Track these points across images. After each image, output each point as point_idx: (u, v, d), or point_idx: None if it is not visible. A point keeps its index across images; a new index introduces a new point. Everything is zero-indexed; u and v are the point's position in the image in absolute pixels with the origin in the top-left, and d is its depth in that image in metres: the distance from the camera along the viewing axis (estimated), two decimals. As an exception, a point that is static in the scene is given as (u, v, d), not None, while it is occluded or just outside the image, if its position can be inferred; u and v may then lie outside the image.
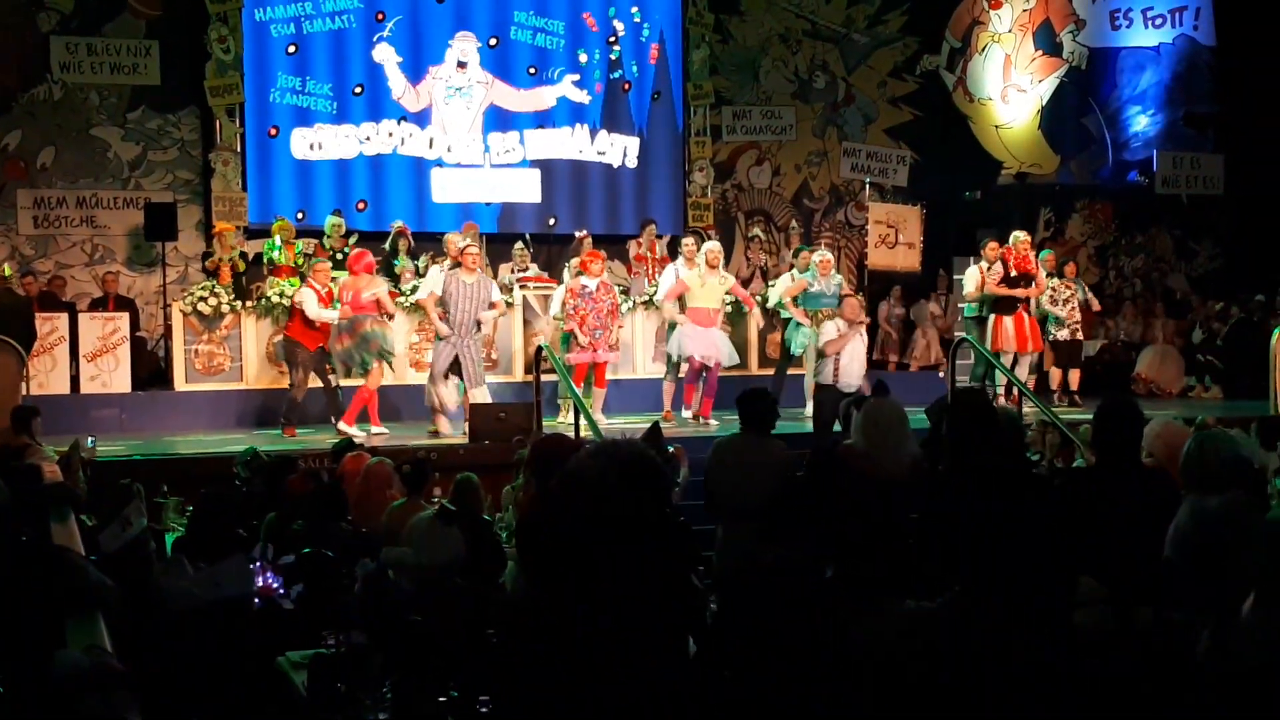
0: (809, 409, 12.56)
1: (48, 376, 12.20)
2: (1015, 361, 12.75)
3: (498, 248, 14.70)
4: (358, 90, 15.50)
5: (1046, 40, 18.69)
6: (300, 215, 14.80)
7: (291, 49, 15.24)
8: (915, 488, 5.77)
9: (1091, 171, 19.03)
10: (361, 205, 15.43)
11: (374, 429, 11.22)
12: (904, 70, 18.35)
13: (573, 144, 16.33)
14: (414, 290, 12.38)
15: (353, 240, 13.50)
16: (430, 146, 15.72)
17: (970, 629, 2.68)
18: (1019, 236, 13.11)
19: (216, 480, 8.23)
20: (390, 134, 15.58)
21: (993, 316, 12.96)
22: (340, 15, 15.42)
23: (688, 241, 12.78)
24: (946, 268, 16.44)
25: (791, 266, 13.71)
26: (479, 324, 11.39)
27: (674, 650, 2.92)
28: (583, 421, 9.95)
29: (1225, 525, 4.04)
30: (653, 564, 2.76)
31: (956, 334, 13.77)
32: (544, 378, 11.35)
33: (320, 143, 15.33)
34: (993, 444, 4.31)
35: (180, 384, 12.50)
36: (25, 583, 3.74)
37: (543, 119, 16.22)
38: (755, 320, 13.34)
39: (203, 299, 12.42)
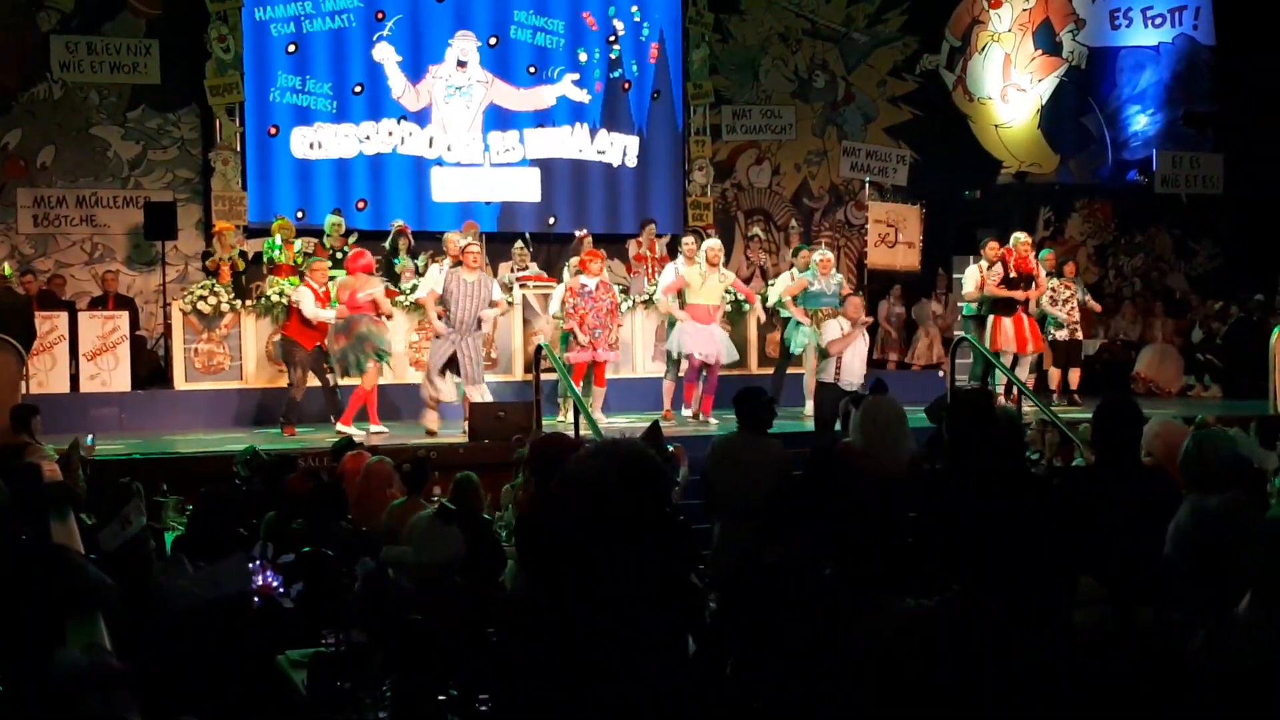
0: (808, 408, 12.58)
1: (47, 375, 12.20)
2: (1015, 362, 12.73)
3: (497, 247, 14.70)
4: (357, 89, 15.50)
5: (1046, 39, 18.70)
6: (300, 214, 14.80)
7: (291, 48, 15.23)
8: (913, 486, 5.77)
9: (1091, 171, 19.04)
10: (361, 204, 15.43)
11: (373, 427, 11.22)
12: (904, 69, 18.36)
13: (572, 143, 16.33)
14: (414, 289, 12.38)
15: (351, 239, 13.50)
16: (430, 145, 15.72)
17: (970, 628, 2.69)
18: (1019, 238, 13.07)
19: (216, 479, 8.23)
20: (390, 133, 15.58)
21: (991, 317, 12.93)
22: (340, 14, 15.42)
23: (687, 240, 12.79)
24: (946, 267, 16.44)
25: (791, 266, 13.71)
26: (479, 322, 11.39)
27: (674, 649, 2.92)
28: (582, 420, 9.95)
29: (1225, 524, 4.04)
30: (652, 563, 2.76)
31: (956, 333, 13.77)
32: (544, 377, 11.35)
33: (320, 142, 15.33)
34: (992, 444, 4.31)
35: (180, 383, 12.50)
36: (25, 581, 3.74)
37: (542, 118, 16.22)
38: (756, 317, 13.35)
39: (202, 298, 12.42)
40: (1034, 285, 13.03)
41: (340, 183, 15.39)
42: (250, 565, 5.09)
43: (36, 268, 14.44)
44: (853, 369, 10.10)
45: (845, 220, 18.01)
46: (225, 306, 12.44)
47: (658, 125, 16.83)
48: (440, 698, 3.91)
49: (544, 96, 16.24)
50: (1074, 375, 13.65)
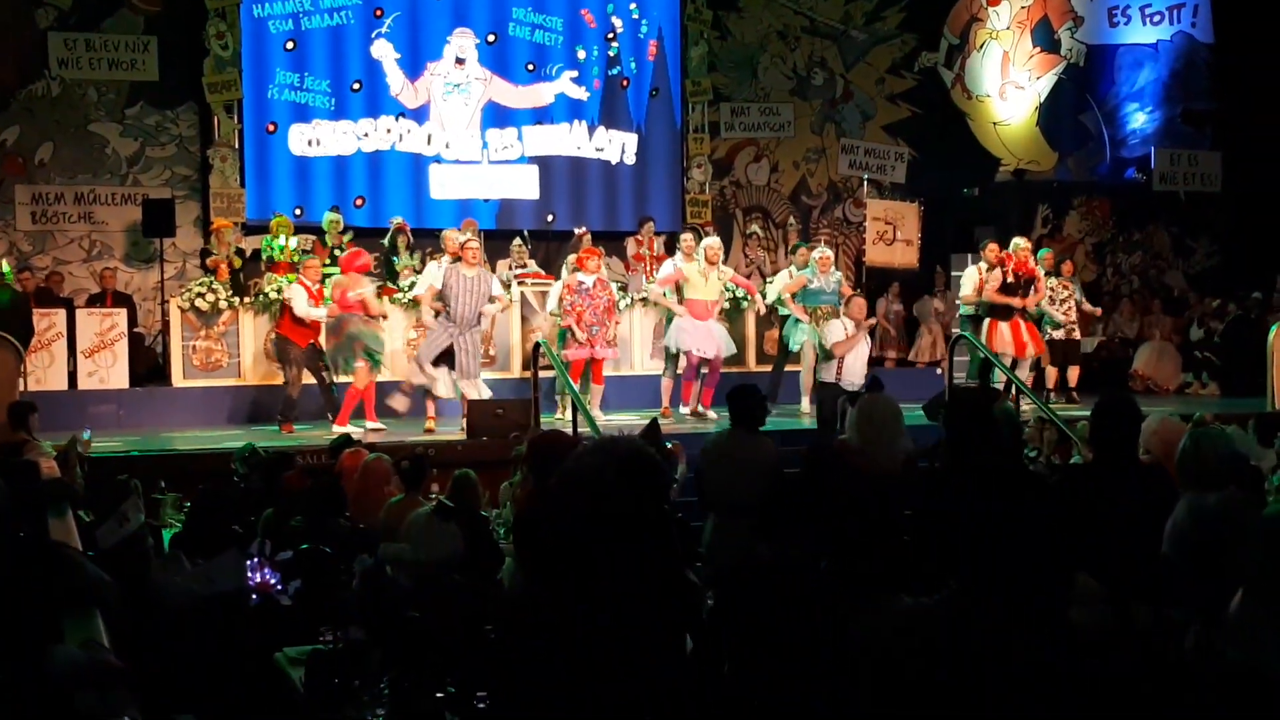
0: (804, 405, 12.59)
1: (45, 372, 12.20)
2: (1014, 365, 12.67)
3: (496, 244, 14.69)
4: (356, 86, 15.49)
5: (1045, 37, 18.70)
6: (298, 211, 14.80)
7: (290, 45, 15.23)
8: (909, 484, 5.78)
9: (1089, 168, 19.04)
10: (360, 201, 15.42)
11: (369, 425, 11.22)
12: (902, 67, 18.36)
13: (571, 140, 16.33)
14: (412, 286, 12.38)
15: (347, 238, 13.48)
16: (428, 143, 15.71)
17: (969, 627, 2.68)
18: (1019, 243, 12.94)
19: (214, 476, 8.24)
20: (388, 130, 15.58)
21: (988, 321, 12.80)
22: (338, 11, 15.41)
23: (686, 236, 12.76)
24: (944, 265, 16.45)
25: (790, 263, 13.71)
26: (479, 318, 11.40)
27: (671, 647, 2.92)
28: (580, 418, 9.95)
29: (1223, 522, 4.04)
30: (651, 561, 2.76)
31: (955, 331, 13.76)
32: (542, 374, 11.36)
33: (318, 139, 15.32)
34: (991, 442, 4.31)
35: (178, 380, 12.50)
36: (23, 579, 3.74)
37: (541, 115, 16.22)
38: (755, 311, 13.36)
39: (200, 295, 12.42)
40: (1034, 290, 12.91)
41: (338, 180, 15.38)
42: (247, 562, 5.09)
43: (35, 265, 14.43)
44: (854, 370, 10.09)
45: (843, 218, 18.02)
46: (223, 304, 12.44)
47: (656, 123, 16.83)
48: (438, 695, 3.92)
49: (542, 94, 16.24)
50: (1073, 373, 13.66)
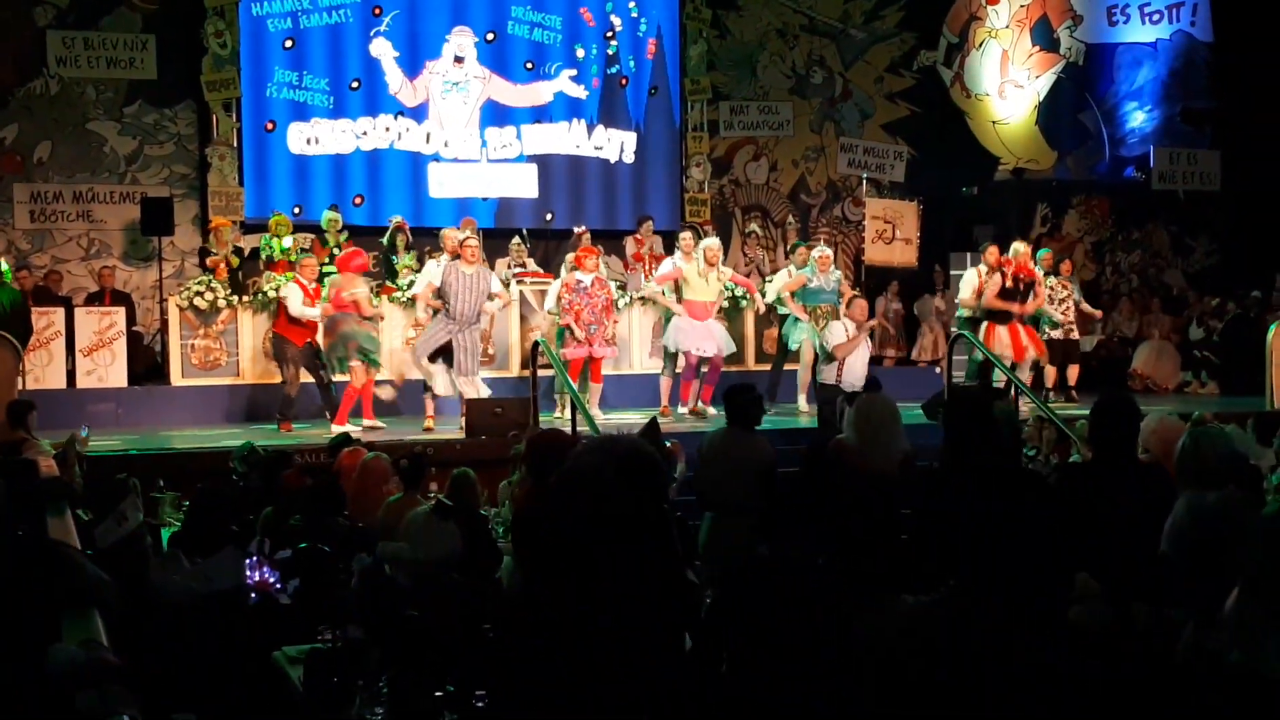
0: (801, 402, 12.60)
1: (44, 371, 12.20)
2: (1013, 368, 12.61)
3: (495, 243, 14.68)
4: (355, 85, 15.48)
5: (1044, 36, 18.69)
6: (297, 210, 14.80)
7: (288, 43, 15.22)
8: (906, 484, 5.78)
9: (1088, 167, 19.04)
10: (358, 200, 15.42)
11: (366, 423, 11.23)
12: (901, 66, 18.36)
13: (570, 139, 16.32)
14: (411, 285, 12.37)
15: (343, 237, 13.45)
16: (427, 141, 15.70)
17: (969, 626, 2.68)
18: (1019, 248, 12.86)
19: (213, 475, 8.25)
20: (387, 129, 15.57)
21: (985, 324, 12.73)
22: (337, 10, 15.40)
23: (685, 236, 12.74)
24: (943, 263, 16.44)
25: (789, 262, 13.70)
26: (479, 316, 11.41)
27: (670, 646, 2.92)
28: (579, 416, 9.95)
29: (1222, 521, 4.04)
30: (650, 560, 2.76)
31: (953, 329, 13.74)
32: (541, 373, 11.35)
33: (317, 137, 15.31)
34: (991, 442, 4.31)
35: (176, 379, 12.50)
36: (22, 577, 3.74)
37: (540, 114, 16.20)
38: (755, 310, 13.36)
39: (199, 293, 12.42)
40: (1033, 295, 12.81)
41: (337, 178, 15.37)
42: (246, 560, 5.09)
43: (33, 263, 14.41)
44: (855, 371, 10.06)
45: (843, 216, 18.01)
46: (222, 302, 12.44)
47: (655, 121, 16.83)
48: (437, 694, 3.92)
49: (541, 92, 16.23)
50: (1072, 372, 13.65)
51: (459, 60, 15.76)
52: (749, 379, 9.00)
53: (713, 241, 12.56)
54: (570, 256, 12.47)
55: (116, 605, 3.92)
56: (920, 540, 3.85)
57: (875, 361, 14.58)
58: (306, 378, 11.59)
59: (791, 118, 17.71)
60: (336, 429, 10.78)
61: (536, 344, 11.11)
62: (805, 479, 6.10)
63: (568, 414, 10.72)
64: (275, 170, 15.19)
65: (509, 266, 13.68)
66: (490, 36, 16.00)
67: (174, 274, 14.68)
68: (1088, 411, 4.98)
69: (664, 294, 12.24)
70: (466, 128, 15.83)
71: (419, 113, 15.69)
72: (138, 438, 11.06)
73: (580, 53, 16.37)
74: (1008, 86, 18.63)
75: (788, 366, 13.21)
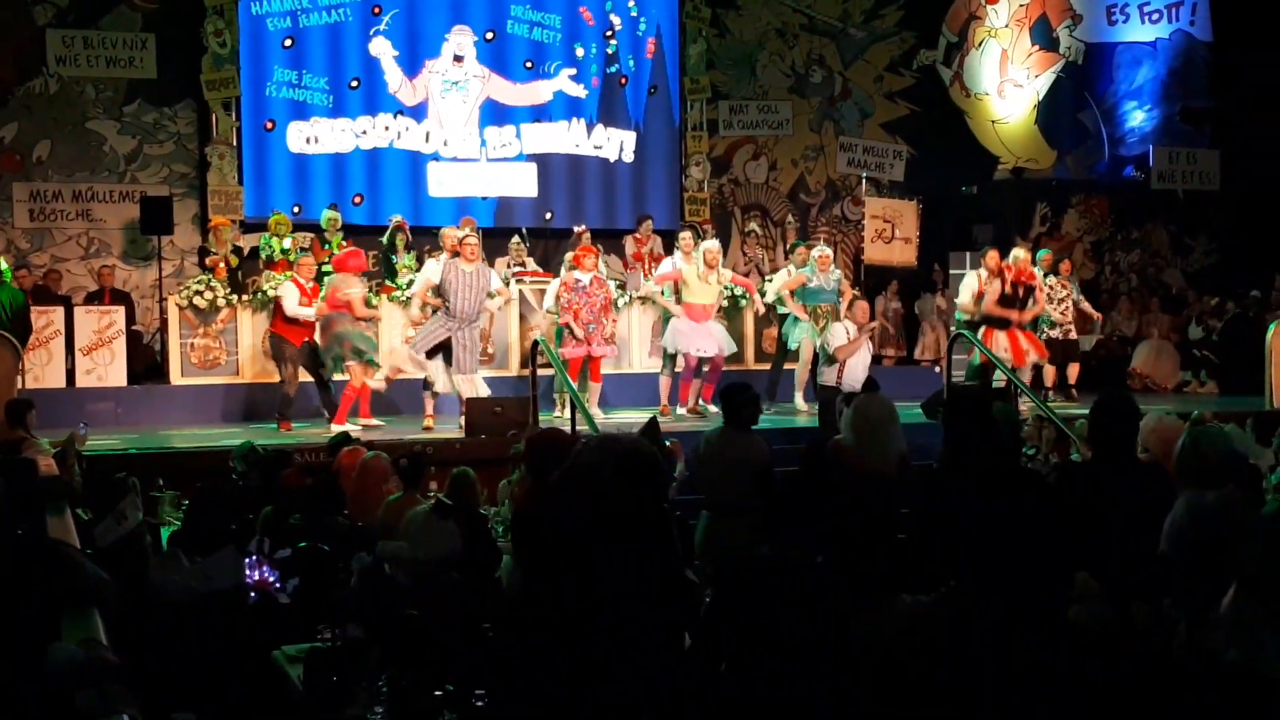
0: (798, 400, 12.61)
1: (43, 370, 12.19)
2: (1013, 372, 12.56)
3: (494, 242, 14.67)
4: (354, 84, 15.48)
5: (1043, 35, 18.69)
6: (296, 209, 14.79)
7: (288, 42, 15.21)
8: (903, 484, 5.78)
9: (1088, 166, 19.04)
10: (358, 199, 15.42)
11: (362, 422, 11.22)
12: (901, 65, 18.36)
13: (569, 138, 16.32)
14: (410, 285, 12.36)
15: (338, 239, 13.44)
16: (426, 140, 15.70)
17: (969, 625, 2.69)
18: (1018, 255, 12.78)
19: (212, 474, 8.23)
20: (386, 128, 15.57)
21: (983, 329, 12.66)
22: (336, 9, 15.39)
23: (685, 236, 12.72)
24: (943, 263, 16.44)
25: (789, 262, 13.69)
26: (479, 313, 11.41)
27: (670, 644, 2.92)
28: (579, 415, 9.95)
29: (1221, 520, 4.04)
30: (650, 559, 2.76)
31: (953, 329, 13.73)
32: (540, 372, 11.35)
33: (316, 136, 15.31)
34: (991, 442, 4.31)
35: (176, 378, 12.49)
36: (21, 577, 3.74)
37: (539, 113, 16.20)
38: (754, 311, 13.35)
39: (198, 292, 12.42)
40: (1033, 301, 12.73)
41: (336, 177, 15.37)
42: (245, 560, 5.09)
43: (32, 262, 14.41)
44: (855, 373, 10.01)
45: (842, 216, 18.01)
46: (221, 301, 12.43)
47: (654, 120, 16.83)
48: (436, 693, 3.92)
49: (541, 91, 16.22)
50: (1072, 370, 13.64)
51: (458, 59, 15.76)
52: (749, 378, 8.99)
53: (713, 244, 12.53)
54: (569, 256, 12.46)
55: (116, 604, 3.92)
56: (920, 540, 3.85)
57: (874, 361, 14.59)
58: (306, 377, 11.58)
59: (791, 117, 17.71)
60: (336, 428, 10.79)
61: (536, 343, 11.10)
62: (804, 479, 6.10)
63: (567, 413, 10.72)
64: (275, 169, 15.19)
65: (508, 266, 13.68)
66: (490, 35, 15.99)
67: (173, 273, 14.68)
68: (1087, 411, 4.98)
69: (662, 294, 12.22)
70: (466, 127, 15.83)
71: (418, 112, 15.69)
72: (137, 437, 11.06)
73: (580, 52, 16.37)
74: (1007, 86, 18.63)
75: (787, 366, 13.20)
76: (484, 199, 15.79)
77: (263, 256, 13.22)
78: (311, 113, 15.29)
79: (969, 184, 17.95)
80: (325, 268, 12.21)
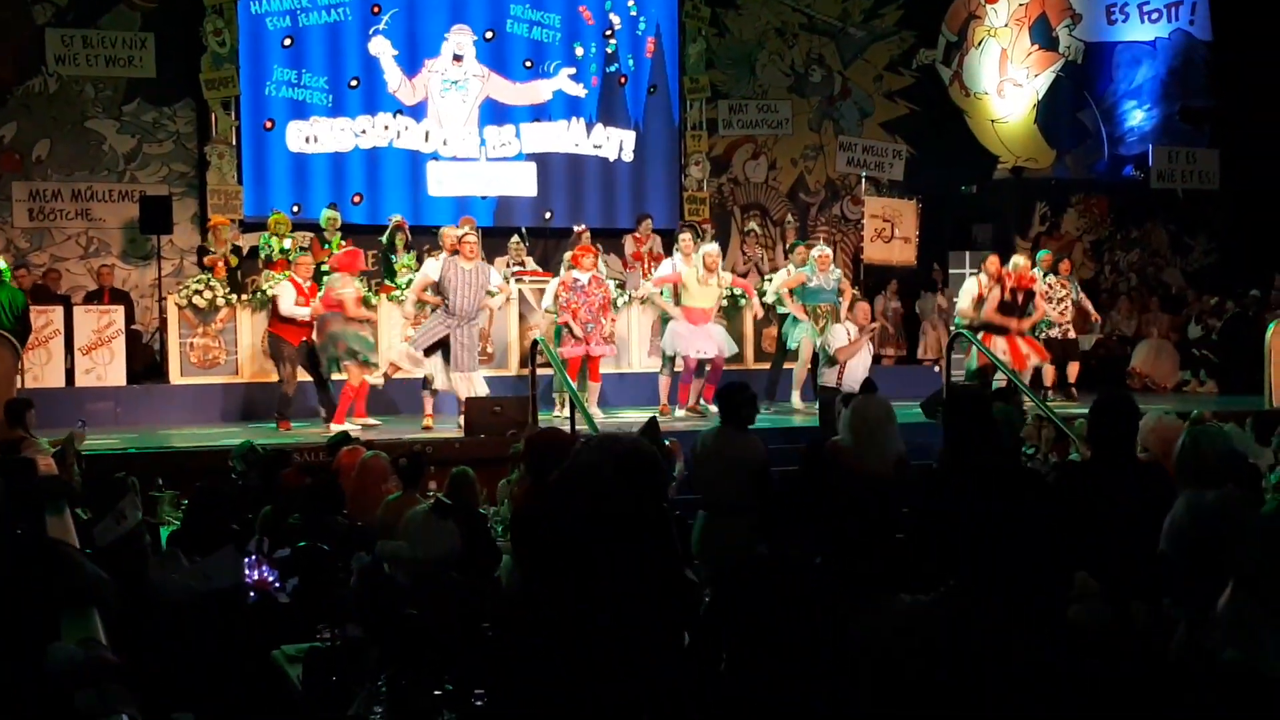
0: (795, 399, 12.61)
1: (43, 370, 12.19)
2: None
3: (493, 241, 14.67)
4: (353, 83, 15.47)
5: (1043, 34, 18.69)
6: (296, 209, 14.79)
7: (287, 42, 15.21)
8: (900, 485, 5.78)
9: (1087, 166, 19.04)
10: (357, 199, 15.41)
11: (361, 421, 11.22)
12: (900, 64, 18.35)
13: (569, 137, 16.31)
14: (409, 284, 12.36)
15: (336, 239, 13.43)
16: (426, 140, 15.69)
17: (968, 625, 2.69)
18: (1018, 262, 12.76)
19: (212, 474, 8.24)
20: (386, 127, 15.56)
21: (982, 335, 12.64)
22: (336, 8, 15.39)
23: (684, 236, 12.70)
24: (942, 262, 16.44)
25: (789, 262, 13.69)
26: (478, 311, 11.41)
27: (669, 644, 2.92)
28: (578, 415, 9.95)
29: (1221, 520, 4.04)
30: (649, 559, 2.76)
31: (952, 329, 13.73)
32: (540, 372, 11.35)
33: (316, 136, 15.31)
34: (990, 442, 4.31)
35: (175, 377, 12.49)
36: (20, 576, 3.73)
37: (539, 112, 16.20)
38: (753, 313, 13.34)
39: (198, 292, 12.42)
40: (1033, 307, 12.71)
41: (336, 177, 15.36)
42: (245, 559, 5.09)
43: (31, 262, 14.40)
44: (855, 374, 10.00)
45: (841, 215, 18.01)
46: (221, 301, 12.43)
47: (654, 120, 16.82)
48: (435, 692, 3.92)
49: (540, 91, 16.22)
50: (1072, 369, 13.64)
51: (458, 59, 15.75)
52: (748, 378, 9.00)
53: (712, 248, 12.49)
54: (568, 255, 12.46)
55: (115, 604, 3.91)
56: (919, 540, 3.85)
57: (874, 361, 14.59)
58: (305, 376, 11.58)
59: (790, 116, 17.70)
60: (335, 427, 10.79)
61: (535, 343, 11.10)
62: (803, 479, 6.10)
63: (567, 413, 10.72)
64: (274, 169, 15.19)
65: (508, 265, 13.67)
66: (489, 35, 15.99)
67: (173, 272, 14.67)
68: (1087, 410, 4.98)
69: (661, 295, 12.20)
70: (465, 126, 15.83)
71: (418, 111, 15.69)
72: (136, 436, 11.06)
73: (579, 51, 16.36)
74: (1006, 85, 18.63)
75: (786, 365, 13.20)
76: (483, 198, 15.78)
77: (262, 256, 13.22)
78: (311, 112, 15.29)
79: (968, 183, 17.95)
80: (324, 267, 12.21)
